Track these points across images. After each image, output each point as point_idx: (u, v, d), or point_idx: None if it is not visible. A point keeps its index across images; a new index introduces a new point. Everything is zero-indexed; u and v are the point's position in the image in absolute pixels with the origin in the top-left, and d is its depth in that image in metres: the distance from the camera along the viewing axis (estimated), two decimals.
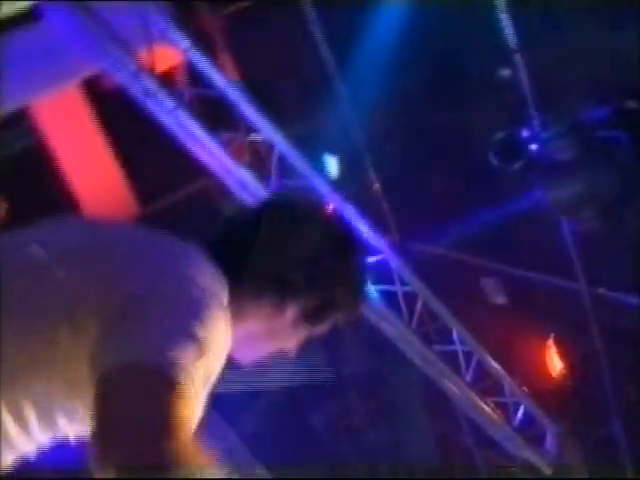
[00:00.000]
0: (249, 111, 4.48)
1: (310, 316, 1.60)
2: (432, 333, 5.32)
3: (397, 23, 5.76)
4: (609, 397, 6.06)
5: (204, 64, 4.31)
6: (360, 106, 5.90)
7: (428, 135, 6.17)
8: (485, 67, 5.62)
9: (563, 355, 6.36)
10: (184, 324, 1.24)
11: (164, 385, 1.16)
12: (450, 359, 5.35)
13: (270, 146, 4.55)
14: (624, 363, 6.17)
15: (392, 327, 5.09)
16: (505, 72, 5.48)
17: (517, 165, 5.71)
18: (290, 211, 1.65)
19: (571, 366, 6.30)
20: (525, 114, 5.58)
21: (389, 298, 5.06)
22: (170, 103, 4.17)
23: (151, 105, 4.21)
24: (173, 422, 1.14)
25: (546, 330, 6.44)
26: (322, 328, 1.65)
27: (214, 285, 1.37)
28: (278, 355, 1.67)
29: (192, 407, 1.19)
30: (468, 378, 5.38)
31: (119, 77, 4.17)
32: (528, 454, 5.63)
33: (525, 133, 5.63)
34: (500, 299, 6.82)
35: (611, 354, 6.19)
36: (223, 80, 4.38)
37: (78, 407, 1.34)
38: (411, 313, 5.17)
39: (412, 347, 5.19)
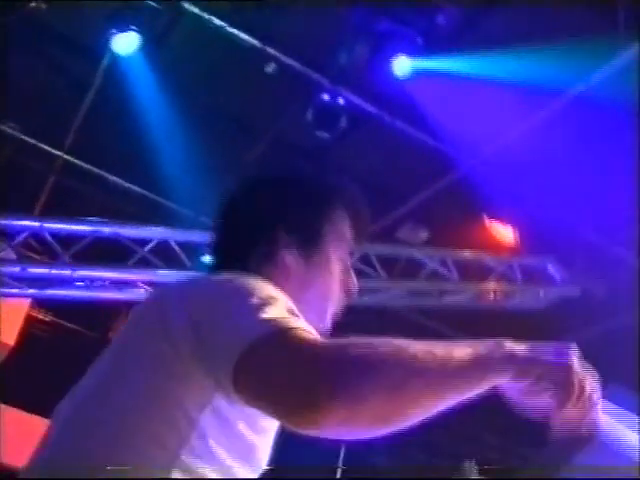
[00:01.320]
0: None
1: (308, 247, 1.68)
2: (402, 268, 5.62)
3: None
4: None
5: None
6: None
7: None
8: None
9: (505, 222, 6.66)
10: (253, 298, 1.36)
11: (290, 339, 1.27)
12: (435, 279, 5.61)
13: None
14: None
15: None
16: (270, 68, 5.76)
17: (343, 123, 6.05)
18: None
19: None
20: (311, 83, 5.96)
21: None
22: None
23: None
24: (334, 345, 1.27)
25: (477, 218, 6.70)
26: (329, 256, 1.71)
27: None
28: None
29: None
30: (455, 277, 5.63)
31: None
32: (550, 294, 5.89)
33: (325, 97, 5.99)
34: (423, 235, 7.07)
35: None
36: None
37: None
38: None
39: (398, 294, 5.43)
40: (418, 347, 1.26)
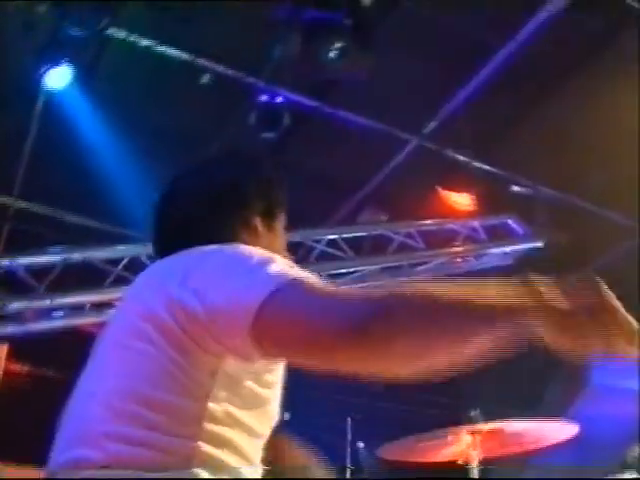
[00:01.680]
0: None
1: (269, 215, 1.80)
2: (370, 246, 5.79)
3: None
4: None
5: None
6: None
7: None
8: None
9: (459, 189, 6.76)
10: (253, 260, 1.43)
11: (303, 288, 1.34)
12: (403, 252, 5.76)
13: None
14: None
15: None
16: (205, 79, 5.79)
17: (286, 120, 6.09)
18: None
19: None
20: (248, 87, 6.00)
21: None
22: None
23: None
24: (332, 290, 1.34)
25: (432, 191, 6.81)
26: (281, 226, 1.85)
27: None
28: None
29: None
30: (422, 246, 5.80)
31: None
32: (515, 249, 6.06)
33: (264, 98, 6.03)
34: (383, 218, 7.13)
35: None
36: None
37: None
38: None
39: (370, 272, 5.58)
40: (442, 287, 1.31)
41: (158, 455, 1.37)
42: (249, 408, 1.49)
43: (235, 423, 1.46)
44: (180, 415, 1.40)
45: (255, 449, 1.53)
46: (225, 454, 1.43)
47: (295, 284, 1.34)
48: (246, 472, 1.47)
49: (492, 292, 1.31)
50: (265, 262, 1.40)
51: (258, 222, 1.75)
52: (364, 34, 4.70)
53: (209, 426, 1.41)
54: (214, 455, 1.41)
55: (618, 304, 1.31)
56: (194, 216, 1.74)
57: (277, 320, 1.32)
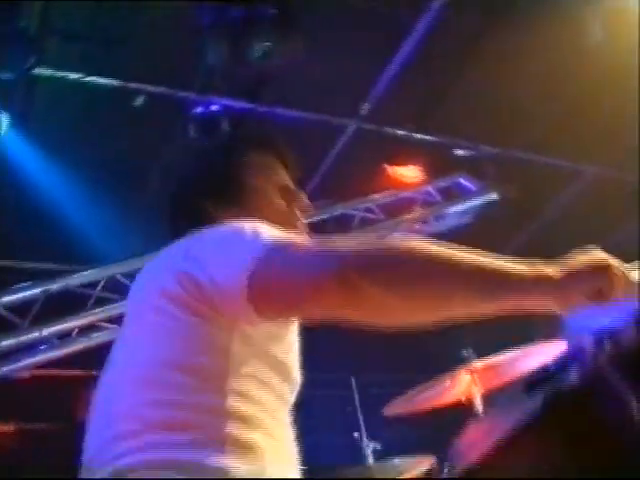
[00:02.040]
0: None
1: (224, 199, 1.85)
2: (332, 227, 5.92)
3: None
4: None
5: None
6: None
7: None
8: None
9: (405, 163, 6.89)
10: (245, 231, 1.50)
11: (292, 248, 1.43)
12: (366, 226, 5.96)
13: None
14: None
15: None
16: (138, 101, 5.80)
17: (224, 126, 6.13)
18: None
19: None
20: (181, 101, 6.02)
21: None
22: None
23: None
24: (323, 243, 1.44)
25: (378, 173, 6.92)
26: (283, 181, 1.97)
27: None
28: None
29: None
30: (383, 218, 5.95)
31: None
32: (471, 206, 6.23)
33: (198, 109, 6.07)
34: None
35: None
36: None
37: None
38: None
39: None
40: (447, 251, 1.38)
41: (189, 415, 1.42)
42: (273, 370, 1.56)
43: (262, 383, 1.52)
44: (202, 372, 1.46)
45: (285, 413, 1.59)
46: (256, 411, 1.48)
47: (281, 247, 1.42)
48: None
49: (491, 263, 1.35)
50: (253, 232, 1.48)
51: (223, 214, 1.78)
52: (291, 22, 4.76)
53: (235, 383, 1.47)
54: (245, 412, 1.46)
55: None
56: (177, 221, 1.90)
57: (267, 283, 1.40)
